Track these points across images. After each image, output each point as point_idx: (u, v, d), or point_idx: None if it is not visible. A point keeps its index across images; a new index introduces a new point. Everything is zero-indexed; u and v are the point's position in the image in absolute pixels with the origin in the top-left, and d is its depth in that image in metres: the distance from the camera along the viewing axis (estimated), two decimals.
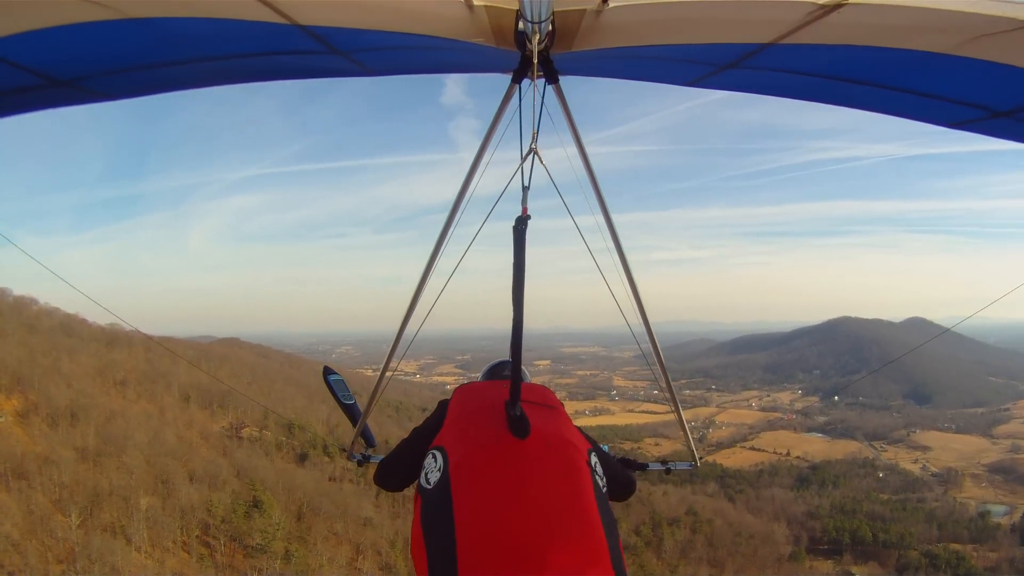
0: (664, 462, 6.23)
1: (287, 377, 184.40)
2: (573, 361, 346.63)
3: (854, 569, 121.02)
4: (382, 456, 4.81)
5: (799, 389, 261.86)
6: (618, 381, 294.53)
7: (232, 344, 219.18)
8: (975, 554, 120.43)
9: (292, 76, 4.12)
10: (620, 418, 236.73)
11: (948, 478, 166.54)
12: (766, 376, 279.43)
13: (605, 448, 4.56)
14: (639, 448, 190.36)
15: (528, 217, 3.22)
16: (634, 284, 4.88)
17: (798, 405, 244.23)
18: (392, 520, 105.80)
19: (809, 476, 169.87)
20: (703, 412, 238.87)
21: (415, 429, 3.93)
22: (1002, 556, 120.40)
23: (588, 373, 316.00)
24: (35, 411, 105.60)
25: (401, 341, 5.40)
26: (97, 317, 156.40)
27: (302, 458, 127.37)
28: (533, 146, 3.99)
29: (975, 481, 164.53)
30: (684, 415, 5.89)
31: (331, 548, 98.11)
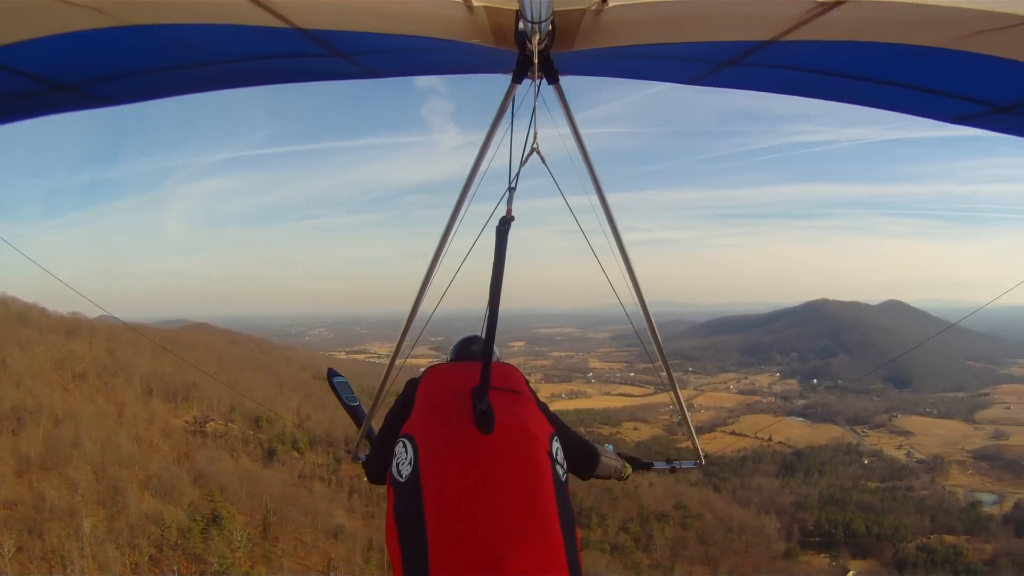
0: (669, 460, 6.07)
1: (257, 364, 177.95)
2: (548, 343, 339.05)
3: (851, 564, 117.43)
4: None
5: (777, 372, 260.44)
6: (594, 363, 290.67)
7: (201, 330, 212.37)
8: (970, 547, 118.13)
9: (294, 79, 4.18)
10: (597, 401, 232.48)
11: (934, 465, 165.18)
12: (744, 358, 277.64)
13: (586, 435, 4.82)
14: (618, 433, 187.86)
15: (512, 219, 3.31)
16: (640, 291, 4.72)
17: (776, 388, 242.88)
18: (365, 525, 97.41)
19: (794, 463, 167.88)
20: (681, 395, 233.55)
21: (387, 415, 3.96)
22: (998, 549, 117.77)
23: (563, 355, 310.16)
24: None
25: (403, 342, 5.36)
26: (58, 306, 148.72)
27: (270, 454, 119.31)
28: (535, 145, 4.17)
29: (961, 468, 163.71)
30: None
31: (299, 562, 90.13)
